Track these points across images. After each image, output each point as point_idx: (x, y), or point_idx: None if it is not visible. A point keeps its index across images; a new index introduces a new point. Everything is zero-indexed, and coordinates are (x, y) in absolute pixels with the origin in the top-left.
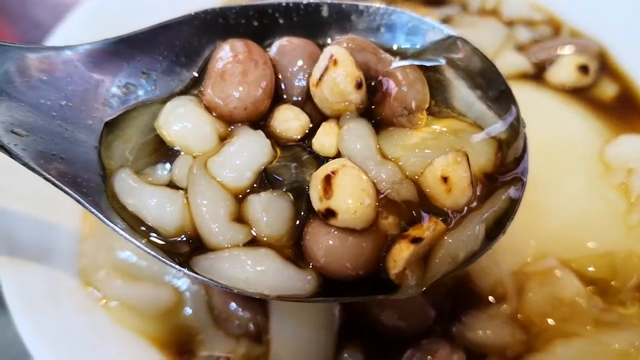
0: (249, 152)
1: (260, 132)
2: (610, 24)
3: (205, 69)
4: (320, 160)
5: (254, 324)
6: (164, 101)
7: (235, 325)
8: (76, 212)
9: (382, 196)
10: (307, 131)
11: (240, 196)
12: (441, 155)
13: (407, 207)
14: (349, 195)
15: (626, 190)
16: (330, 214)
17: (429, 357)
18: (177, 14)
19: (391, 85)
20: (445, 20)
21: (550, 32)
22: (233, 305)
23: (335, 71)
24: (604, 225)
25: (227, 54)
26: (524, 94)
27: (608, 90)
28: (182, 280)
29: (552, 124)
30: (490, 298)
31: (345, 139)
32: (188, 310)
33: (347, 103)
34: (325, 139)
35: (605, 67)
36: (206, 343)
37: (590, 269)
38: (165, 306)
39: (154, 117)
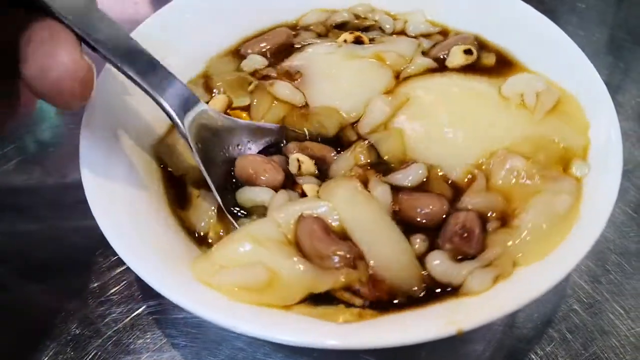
0: None
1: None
2: (482, 20)
3: None
4: None
5: (349, 254)
6: None
7: (336, 261)
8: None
9: None
10: None
11: None
12: None
13: None
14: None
15: (525, 105)
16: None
17: (453, 220)
18: None
19: None
20: (371, 39)
21: (442, 38)
22: (332, 247)
23: None
24: (520, 126)
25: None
26: (435, 81)
27: (489, 59)
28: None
29: (460, 88)
30: (465, 182)
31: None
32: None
33: None
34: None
35: (483, 46)
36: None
37: (523, 150)
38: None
39: None
